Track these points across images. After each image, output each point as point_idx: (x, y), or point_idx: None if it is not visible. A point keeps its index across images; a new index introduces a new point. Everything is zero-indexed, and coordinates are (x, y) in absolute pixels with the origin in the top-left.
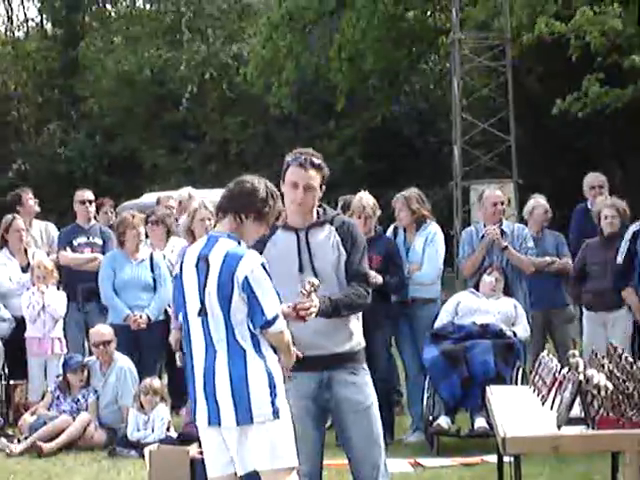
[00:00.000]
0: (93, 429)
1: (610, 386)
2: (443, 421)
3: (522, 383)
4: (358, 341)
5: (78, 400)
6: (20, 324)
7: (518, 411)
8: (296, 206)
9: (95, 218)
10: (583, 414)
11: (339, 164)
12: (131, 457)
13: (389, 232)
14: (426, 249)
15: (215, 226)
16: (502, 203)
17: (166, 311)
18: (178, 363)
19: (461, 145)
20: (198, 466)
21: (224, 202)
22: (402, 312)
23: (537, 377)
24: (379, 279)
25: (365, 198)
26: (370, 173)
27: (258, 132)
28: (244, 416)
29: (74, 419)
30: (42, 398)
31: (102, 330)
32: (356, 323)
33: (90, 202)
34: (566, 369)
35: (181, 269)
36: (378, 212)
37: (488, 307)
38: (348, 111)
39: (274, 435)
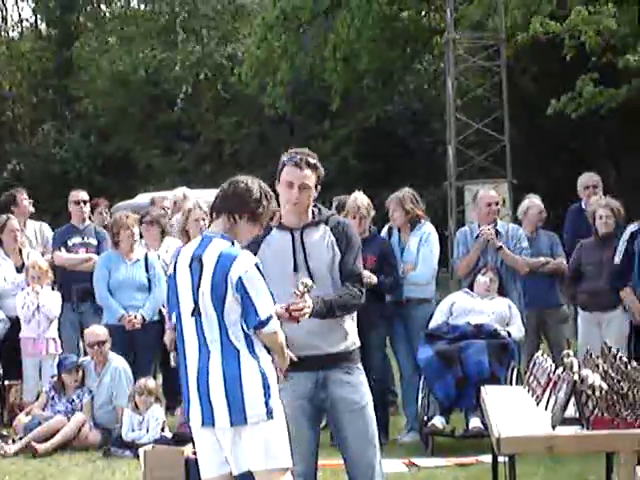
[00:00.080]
0: (88, 429)
1: (605, 386)
2: (438, 421)
3: (517, 383)
4: (353, 341)
5: (73, 400)
6: (15, 324)
7: (513, 411)
8: (291, 205)
9: (90, 218)
10: (578, 414)
11: (333, 164)
12: (126, 457)
13: (384, 232)
14: (420, 249)
15: (209, 226)
16: (496, 203)
17: (161, 311)
18: (172, 363)
19: (455, 145)
20: (193, 466)
21: (218, 202)
22: (397, 312)
23: (532, 377)
24: (373, 279)
25: (360, 198)
26: (364, 173)
27: (252, 132)
28: (238, 416)
29: (69, 419)
30: (37, 398)
31: (97, 330)
32: (351, 323)
33: (85, 202)
34: (561, 369)
35: (175, 269)
36: (372, 212)
37: (482, 307)
38: (342, 111)
39: (268, 435)
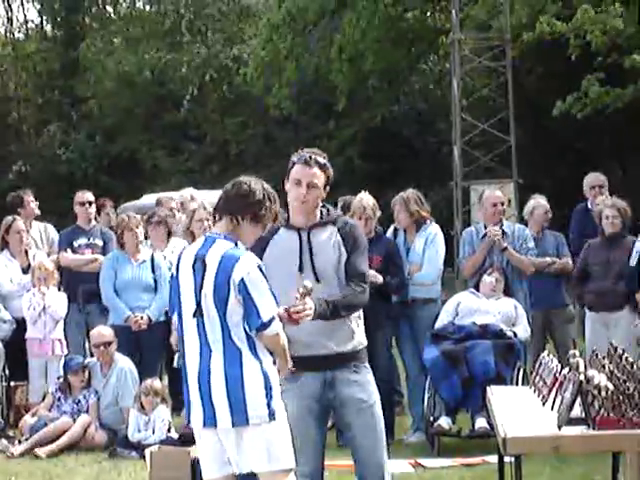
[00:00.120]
0: (94, 430)
1: (611, 386)
2: (444, 421)
3: (522, 383)
4: (360, 340)
5: (79, 401)
6: (21, 325)
7: (519, 411)
8: (299, 204)
9: (96, 219)
10: (584, 414)
11: (339, 164)
12: (132, 458)
13: (389, 233)
14: (426, 250)
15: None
16: (502, 203)
17: (167, 312)
18: (175, 364)
19: (461, 145)
20: (199, 467)
21: (221, 204)
22: (402, 312)
23: (537, 377)
24: (379, 278)
25: (365, 199)
26: (370, 173)
27: (258, 133)
28: (240, 417)
29: (75, 420)
30: (43, 399)
31: (103, 331)
32: (358, 322)
33: (90, 203)
34: (566, 369)
35: (177, 269)
36: (378, 213)
37: (488, 307)
38: (348, 111)
39: (270, 437)
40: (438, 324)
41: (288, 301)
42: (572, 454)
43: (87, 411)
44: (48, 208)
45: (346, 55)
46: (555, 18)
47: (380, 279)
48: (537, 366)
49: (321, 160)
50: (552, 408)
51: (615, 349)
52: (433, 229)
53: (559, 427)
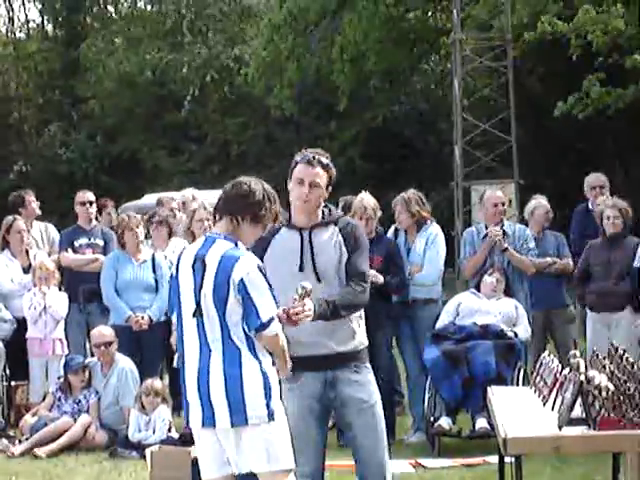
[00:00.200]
0: (94, 430)
1: (611, 387)
2: (444, 422)
3: (523, 384)
4: (361, 340)
5: (79, 401)
6: (21, 325)
7: (519, 412)
8: (301, 203)
9: (97, 219)
10: (584, 415)
11: (340, 165)
12: (132, 458)
13: (390, 233)
14: (427, 250)
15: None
16: (503, 204)
17: (167, 312)
18: (175, 364)
19: (462, 145)
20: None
21: (220, 204)
22: (403, 313)
23: (538, 378)
24: (379, 278)
25: (366, 199)
26: (371, 173)
27: (259, 133)
28: (238, 417)
29: (75, 420)
30: (43, 399)
31: (103, 331)
32: (359, 322)
33: (91, 203)
34: (567, 370)
35: (177, 269)
36: (379, 213)
37: (489, 308)
38: (349, 112)
39: (270, 437)
40: (439, 324)
41: (289, 301)
42: (573, 454)
43: (87, 411)
44: (49, 208)
45: (347, 55)
46: (556, 18)
47: (381, 279)
48: (538, 366)
49: (324, 160)
50: (553, 408)
51: (616, 349)
52: (434, 229)
53: (560, 427)
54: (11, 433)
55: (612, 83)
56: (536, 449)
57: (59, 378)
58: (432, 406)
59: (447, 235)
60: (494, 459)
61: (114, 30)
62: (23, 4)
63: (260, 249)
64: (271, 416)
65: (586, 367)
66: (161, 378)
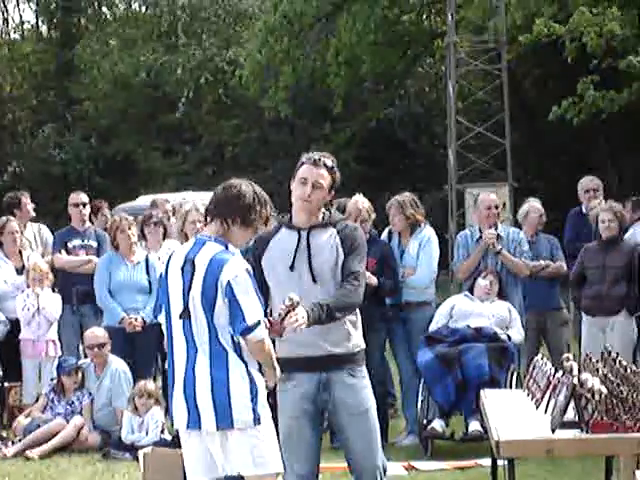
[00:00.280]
0: (87, 431)
1: (604, 390)
2: (437, 424)
3: (516, 387)
4: (356, 343)
5: (72, 402)
6: (15, 326)
7: (512, 415)
8: (302, 202)
9: (91, 221)
10: (577, 418)
11: None
12: (125, 460)
13: (384, 235)
14: (420, 253)
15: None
16: (496, 207)
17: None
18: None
19: (456, 148)
20: None
21: (211, 207)
22: (396, 315)
23: (531, 381)
24: (373, 279)
25: (360, 201)
26: (365, 176)
27: (253, 135)
28: (224, 421)
29: (68, 422)
30: (36, 400)
31: (97, 332)
32: (354, 324)
33: (84, 205)
34: (560, 373)
35: (167, 270)
36: (373, 215)
37: (482, 310)
38: (343, 114)
39: (256, 441)
40: (432, 327)
41: (276, 308)
42: (565, 457)
43: (80, 412)
44: (43, 209)
45: (342, 58)
46: (552, 21)
47: (374, 280)
48: (531, 369)
49: (329, 163)
50: (545, 411)
51: (609, 353)
52: (427, 232)
53: (552, 430)
54: (4, 434)
55: (606, 86)
56: (529, 452)
57: (52, 379)
58: (425, 409)
59: (441, 238)
60: (487, 462)
61: (109, 31)
62: (18, 5)
63: (260, 249)
64: (257, 420)
65: (579, 370)
66: (154, 380)
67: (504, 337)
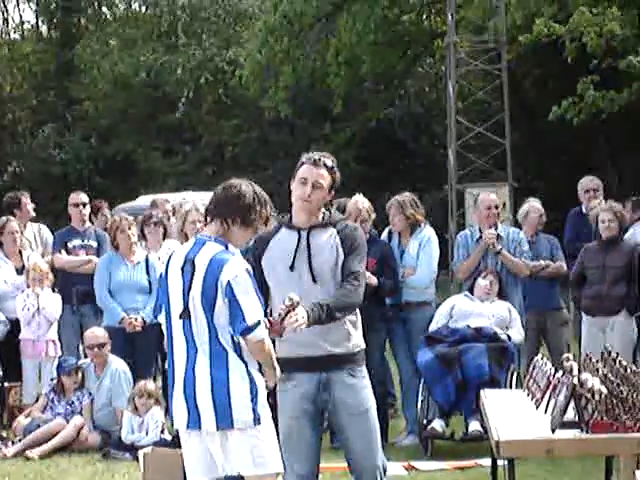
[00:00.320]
0: (87, 431)
1: (604, 390)
2: (437, 424)
3: (516, 387)
4: (356, 343)
5: (72, 403)
6: (15, 326)
7: (512, 415)
8: (302, 202)
9: (91, 221)
10: (577, 418)
11: None
12: (125, 460)
13: (384, 235)
14: (420, 253)
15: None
16: (496, 206)
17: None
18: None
19: (456, 148)
20: None
21: (211, 207)
22: (396, 315)
23: (531, 381)
24: (373, 279)
25: (360, 201)
26: (365, 176)
27: (253, 135)
28: (224, 421)
29: (68, 422)
30: (36, 400)
31: (96, 332)
32: (354, 324)
33: (84, 205)
34: (560, 373)
35: (167, 270)
36: (373, 215)
37: (482, 310)
38: (343, 114)
39: (256, 441)
40: (432, 327)
41: (276, 308)
42: (565, 457)
43: (80, 412)
44: (43, 209)
45: (342, 58)
46: (552, 21)
47: (374, 280)
48: (531, 369)
49: (329, 163)
50: (545, 411)
51: (609, 353)
52: (427, 232)
53: (552, 430)
54: (4, 434)
55: (607, 87)
56: (529, 452)
57: (52, 379)
58: (425, 409)
59: (441, 238)
60: (487, 462)
61: (109, 31)
62: (18, 5)
63: (260, 249)
64: (257, 420)
65: (579, 370)
66: (154, 380)
67: (504, 337)
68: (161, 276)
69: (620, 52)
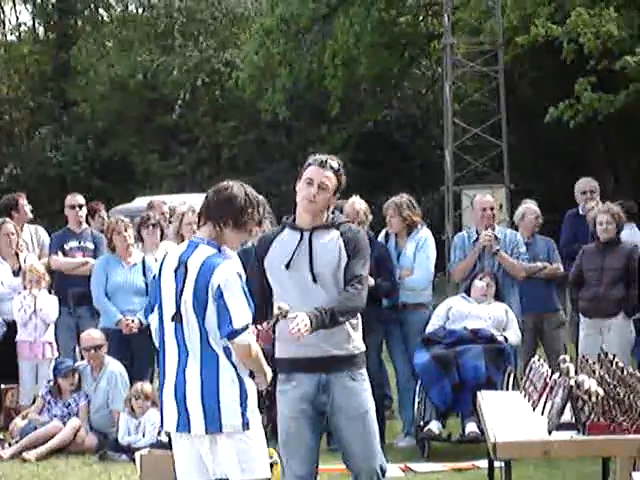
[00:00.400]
0: (84, 433)
1: (601, 392)
2: (434, 426)
3: (513, 388)
4: (356, 345)
5: (69, 404)
6: (11, 328)
7: (509, 416)
8: (307, 203)
9: (88, 223)
10: (574, 419)
11: None
12: (122, 461)
13: (381, 237)
14: (417, 255)
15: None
16: (492, 208)
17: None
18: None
19: (453, 150)
20: None
21: (203, 209)
22: (393, 317)
23: (528, 382)
24: (370, 281)
25: (357, 203)
26: (362, 178)
27: (250, 137)
28: (213, 425)
29: (65, 424)
30: (33, 402)
31: (93, 334)
32: (354, 326)
33: (80, 206)
34: (557, 374)
35: (160, 271)
36: (370, 217)
37: (479, 312)
38: (340, 116)
39: (244, 447)
40: (429, 328)
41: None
42: (562, 459)
43: (77, 414)
44: (39, 211)
45: (339, 60)
46: (549, 22)
47: (371, 282)
48: (528, 371)
49: (335, 165)
50: (542, 413)
51: (605, 354)
52: (424, 234)
53: (549, 432)
54: (0, 436)
55: (603, 88)
56: (526, 454)
57: (49, 381)
58: (422, 410)
59: (437, 239)
60: (484, 463)
61: (105, 33)
62: (14, 7)
63: (263, 249)
64: (246, 425)
65: (576, 372)
66: (151, 382)
67: (501, 339)
68: (154, 277)
69: (616, 53)
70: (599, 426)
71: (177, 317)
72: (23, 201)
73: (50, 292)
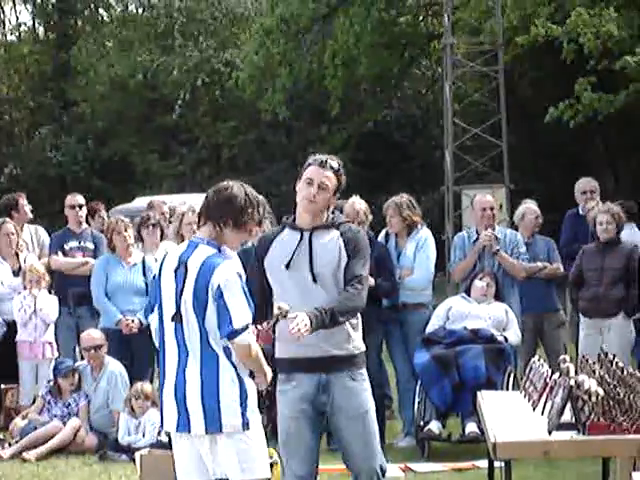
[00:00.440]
0: (84, 433)
1: (601, 392)
2: (434, 426)
3: (513, 388)
4: (356, 345)
5: (69, 404)
6: (11, 328)
7: (509, 416)
8: (307, 203)
9: (88, 223)
10: (574, 419)
11: None
12: (122, 461)
13: (381, 237)
14: (417, 255)
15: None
16: (492, 208)
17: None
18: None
19: (453, 150)
20: None
21: (203, 209)
22: (393, 317)
23: (528, 382)
24: (370, 281)
25: (357, 203)
26: (362, 178)
27: (250, 137)
28: (213, 425)
29: (65, 424)
30: (33, 402)
31: (93, 334)
32: (354, 326)
33: (80, 206)
34: (557, 374)
35: (160, 271)
36: (370, 217)
37: (479, 312)
38: (340, 116)
39: (244, 447)
40: (429, 328)
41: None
42: (562, 459)
43: (77, 414)
44: (39, 211)
45: (339, 60)
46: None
47: (371, 282)
48: (528, 371)
49: (335, 165)
50: (542, 413)
51: (605, 354)
52: (424, 233)
53: (549, 432)
54: (0, 436)
55: (603, 88)
56: (526, 454)
57: (49, 381)
58: (422, 410)
59: (437, 239)
60: (484, 464)
61: (105, 33)
62: (14, 7)
63: (263, 249)
64: (246, 425)
65: (576, 372)
66: (151, 382)
67: (501, 339)
68: (154, 277)
69: (616, 53)
70: (599, 426)
71: (177, 317)
72: (23, 201)
73: (50, 292)
